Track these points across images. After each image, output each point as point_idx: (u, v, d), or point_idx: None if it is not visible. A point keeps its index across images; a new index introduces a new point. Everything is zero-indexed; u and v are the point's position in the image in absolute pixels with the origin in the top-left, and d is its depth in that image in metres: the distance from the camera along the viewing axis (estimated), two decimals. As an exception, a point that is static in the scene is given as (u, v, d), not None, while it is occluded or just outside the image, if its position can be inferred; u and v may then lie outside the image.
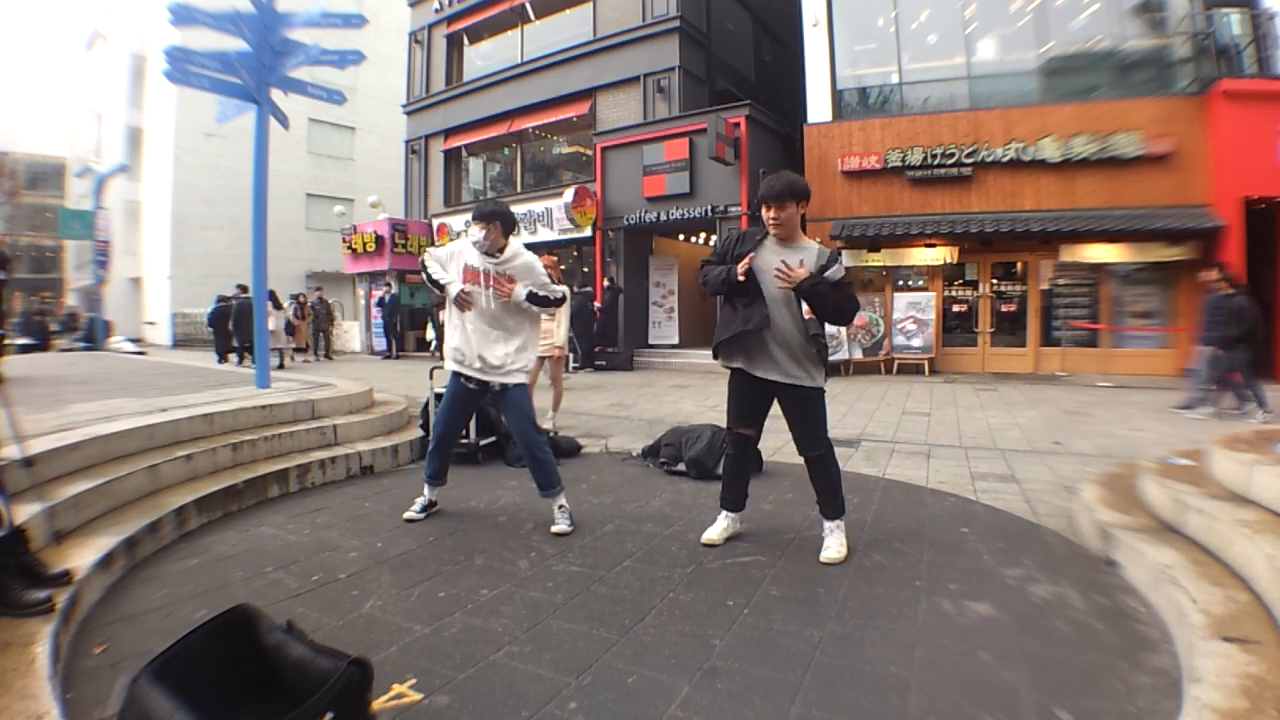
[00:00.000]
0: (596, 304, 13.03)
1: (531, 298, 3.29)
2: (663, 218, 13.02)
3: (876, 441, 5.73)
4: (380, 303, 16.99)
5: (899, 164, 11.60)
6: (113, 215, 20.39)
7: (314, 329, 16.19)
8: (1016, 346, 11.71)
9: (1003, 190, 11.18)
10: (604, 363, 13.09)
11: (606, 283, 13.71)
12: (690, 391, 9.37)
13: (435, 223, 18.03)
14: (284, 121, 6.02)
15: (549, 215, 14.98)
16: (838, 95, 12.57)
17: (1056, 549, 3.06)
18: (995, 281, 11.87)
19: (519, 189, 16.84)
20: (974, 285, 12.00)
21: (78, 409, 4.37)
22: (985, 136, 11.16)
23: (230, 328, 13.80)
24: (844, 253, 11.70)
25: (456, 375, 3.39)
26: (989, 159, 11.12)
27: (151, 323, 24.90)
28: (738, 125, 12.17)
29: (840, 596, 2.52)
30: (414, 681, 1.91)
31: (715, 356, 3.05)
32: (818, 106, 12.55)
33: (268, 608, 1.74)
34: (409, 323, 17.91)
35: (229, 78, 5.68)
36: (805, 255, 2.86)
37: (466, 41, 18.15)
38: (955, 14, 12.03)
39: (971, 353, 11.90)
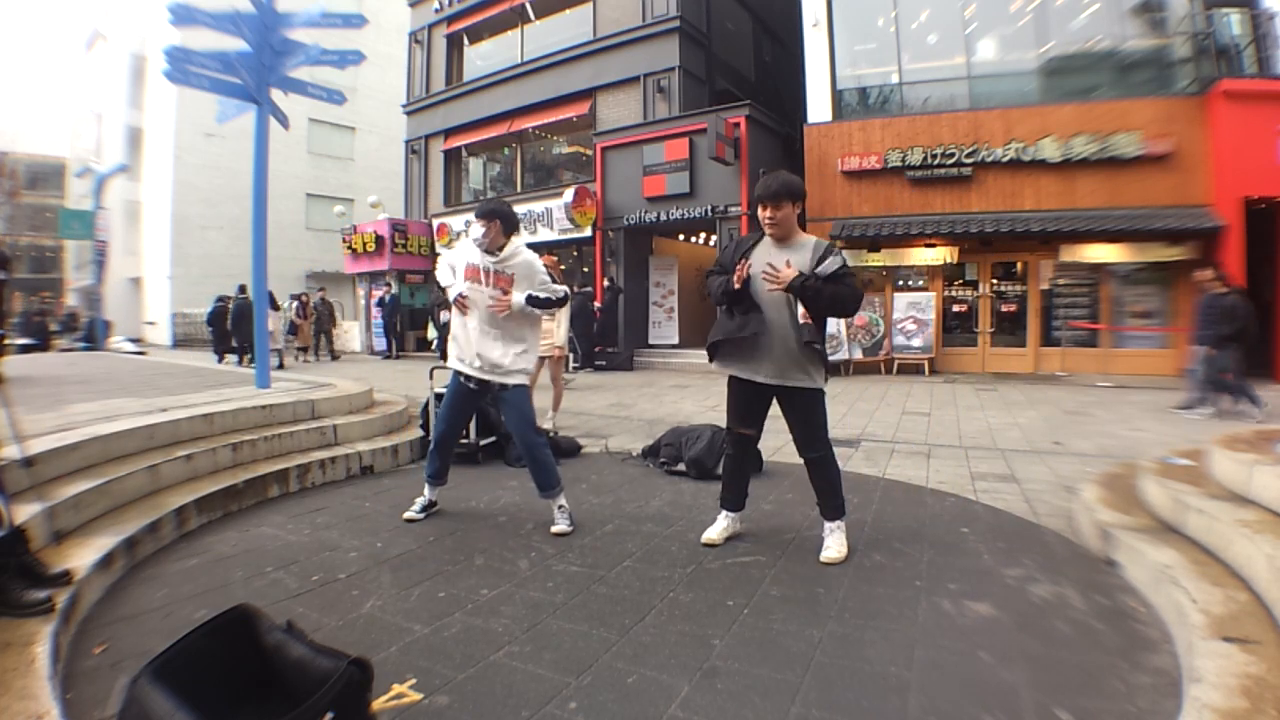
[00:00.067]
0: (596, 304, 13.03)
1: (531, 301, 3.26)
2: (663, 218, 13.02)
3: (876, 441, 5.73)
4: (380, 303, 16.99)
5: (899, 164, 11.60)
6: (112, 215, 20.40)
7: (316, 329, 16.19)
8: (1016, 346, 11.71)
9: (1003, 190, 11.18)
10: (604, 363, 13.09)
11: (606, 283, 13.70)
12: (690, 391, 9.37)
13: (435, 223, 18.03)
14: (284, 121, 6.02)
15: (549, 215, 14.98)
16: (838, 95, 12.57)
17: (1056, 549, 3.06)
18: (995, 281, 11.87)
19: (519, 189, 16.85)
20: (974, 285, 12.00)
21: (78, 409, 4.37)
22: (985, 136, 11.16)
23: (229, 327, 13.84)
24: (844, 253, 11.74)
25: (457, 375, 3.40)
26: (989, 159, 11.12)
27: (151, 323, 24.91)
28: (738, 125, 12.17)
29: (840, 596, 2.52)
30: (414, 681, 1.91)
31: (710, 359, 3.05)
32: (818, 106, 12.55)
33: (268, 608, 1.74)
34: (409, 323, 17.91)
35: (229, 78, 5.68)
36: (801, 253, 2.85)
37: (466, 41, 18.15)
38: (955, 14, 12.03)
39: (971, 353, 11.90)
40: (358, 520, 3.51)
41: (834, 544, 2.92)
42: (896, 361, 11.77)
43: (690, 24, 13.90)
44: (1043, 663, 2.03)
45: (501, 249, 3.31)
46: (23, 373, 7.27)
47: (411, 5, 19.17)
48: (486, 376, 3.31)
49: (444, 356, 11.57)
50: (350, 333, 19.38)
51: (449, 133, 18.08)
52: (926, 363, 11.57)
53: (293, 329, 16.31)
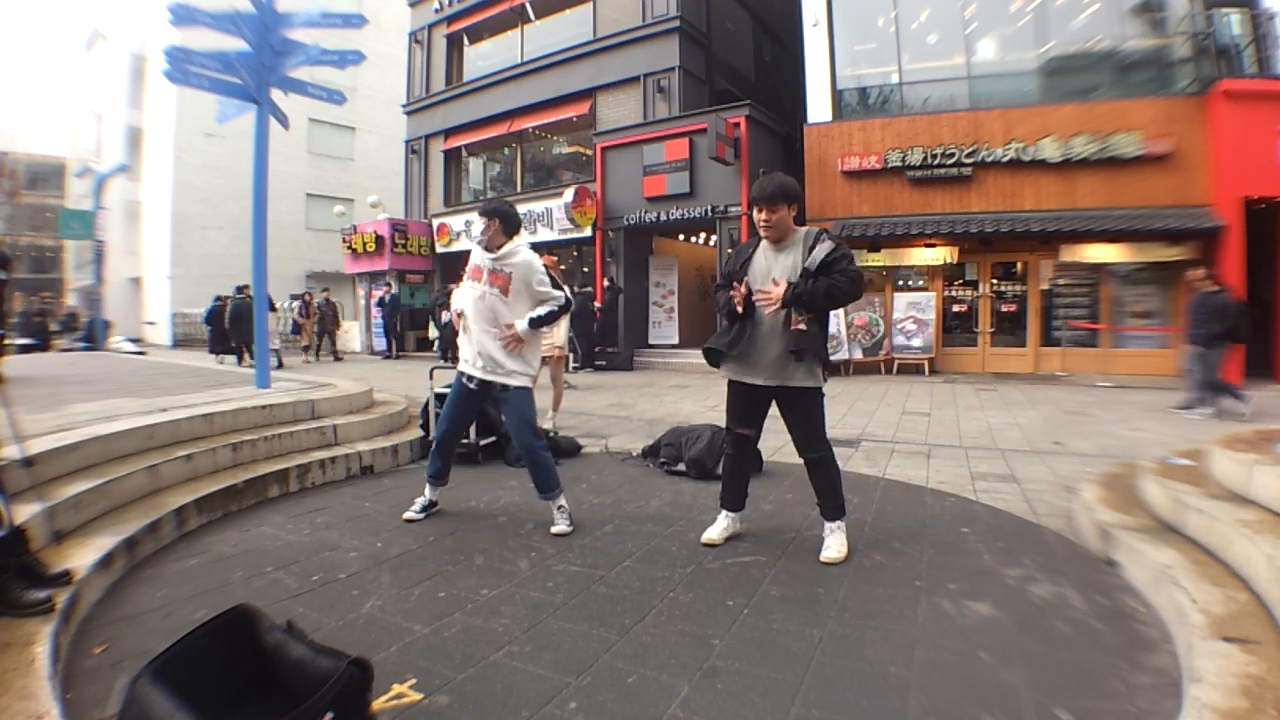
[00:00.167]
0: (596, 304, 13.03)
1: (535, 323, 3.27)
2: (663, 218, 13.02)
3: (876, 441, 5.73)
4: (380, 303, 16.99)
5: (899, 164, 11.60)
6: (112, 215, 20.42)
7: (319, 329, 16.19)
8: (1016, 346, 11.71)
9: (1003, 190, 11.18)
10: (604, 363, 13.09)
11: (606, 283, 13.70)
12: (690, 391, 9.37)
13: (435, 223, 18.03)
14: (284, 121, 6.02)
15: (549, 215, 14.98)
16: (838, 95, 12.57)
17: (1056, 549, 3.06)
18: (995, 281, 11.87)
19: (519, 189, 16.85)
20: (974, 285, 12.00)
21: (78, 409, 4.37)
22: (985, 136, 11.16)
23: (226, 327, 13.90)
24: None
25: (460, 375, 3.40)
26: (989, 159, 11.12)
27: (151, 323, 24.90)
28: (738, 125, 12.16)
29: (840, 596, 2.52)
30: (414, 681, 1.91)
31: (710, 364, 3.06)
32: (818, 106, 12.55)
33: (268, 608, 1.74)
34: (409, 323, 17.91)
35: (229, 78, 5.68)
36: (794, 251, 2.85)
37: (466, 41, 18.15)
38: (955, 14, 12.03)
39: (971, 353, 11.90)
40: (358, 520, 3.51)
41: (834, 544, 2.92)
42: (896, 361, 11.77)
43: (690, 24, 13.90)
44: (1043, 663, 2.03)
45: (501, 247, 3.32)
46: (23, 373, 7.27)
47: (411, 5, 19.17)
48: (488, 377, 3.31)
49: (444, 356, 11.59)
50: (350, 333, 19.39)
51: (449, 133, 18.08)
52: (926, 363, 11.57)
53: (296, 329, 16.33)
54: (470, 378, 3.35)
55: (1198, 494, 2.82)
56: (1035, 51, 11.55)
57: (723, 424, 3.39)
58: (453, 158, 18.45)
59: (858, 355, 11.76)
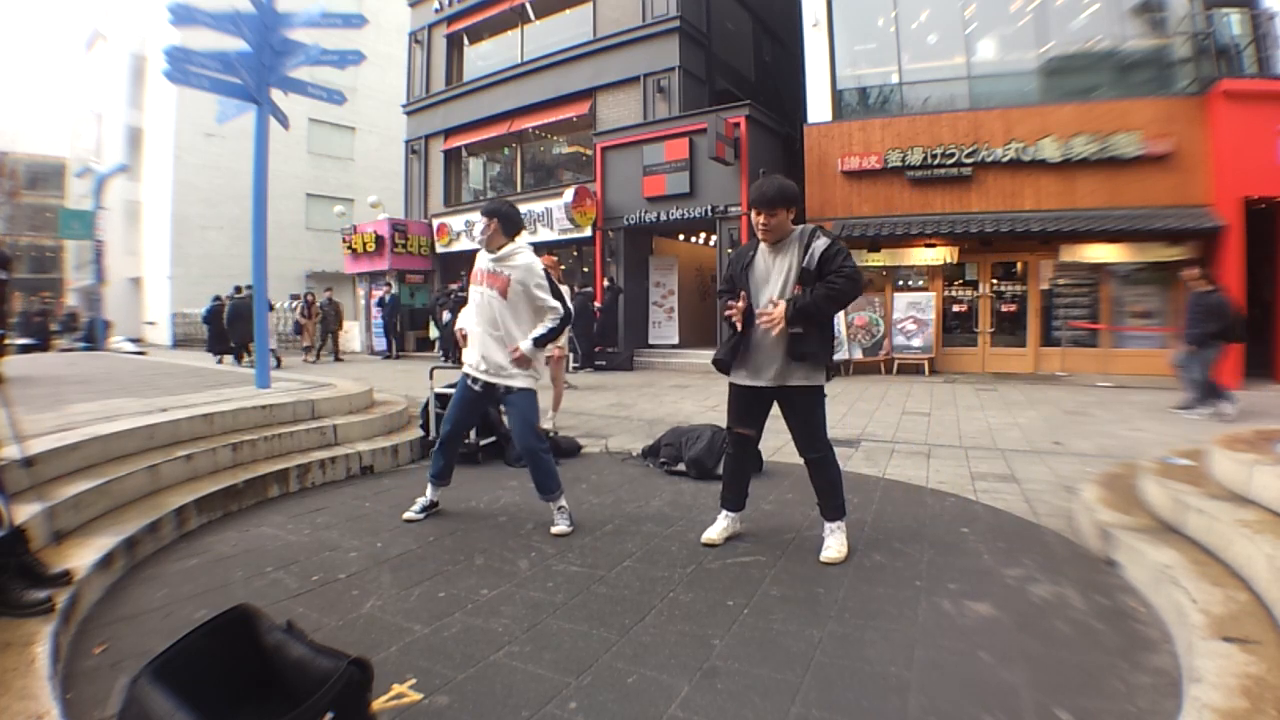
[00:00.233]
0: (596, 304, 13.03)
1: (539, 342, 3.25)
2: (663, 218, 13.01)
3: (876, 441, 5.73)
4: (380, 303, 16.99)
5: (899, 164, 11.60)
6: (112, 215, 20.41)
7: (323, 329, 16.19)
8: (1016, 346, 11.70)
9: (1003, 190, 11.18)
10: (604, 363, 13.09)
11: (606, 283, 13.70)
12: (690, 391, 9.37)
13: (435, 223, 18.03)
14: (284, 121, 6.02)
15: (549, 215, 14.98)
16: (838, 95, 12.57)
17: (1056, 549, 3.06)
18: (995, 281, 11.87)
19: (519, 189, 16.84)
20: (974, 285, 12.00)
21: (78, 409, 4.37)
22: (985, 136, 11.15)
23: (224, 327, 13.98)
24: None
25: (465, 376, 3.41)
26: (989, 159, 11.12)
27: (151, 323, 24.91)
28: (738, 125, 12.16)
29: (840, 596, 2.52)
30: (414, 681, 1.91)
31: (723, 372, 3.07)
32: (818, 106, 12.54)
33: (268, 608, 1.74)
34: (409, 323, 17.91)
35: (229, 78, 5.68)
36: (791, 252, 2.85)
37: (466, 41, 18.14)
38: (955, 14, 12.02)
39: (971, 353, 11.90)
40: (358, 520, 3.51)
41: (834, 544, 2.92)
42: (896, 361, 11.77)
43: (690, 24, 13.90)
44: (1043, 663, 2.03)
45: (501, 248, 3.31)
46: (23, 373, 7.27)
47: (411, 5, 19.17)
48: (492, 379, 3.31)
49: (446, 356, 11.58)
50: (350, 333, 19.39)
51: (449, 133, 18.08)
52: (926, 363, 11.57)
53: (299, 329, 16.36)
54: (475, 379, 3.36)
55: (1198, 494, 2.82)
56: (1035, 51, 11.55)
57: (722, 424, 3.39)
58: (453, 158, 18.45)
59: (858, 355, 11.76)
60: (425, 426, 5.16)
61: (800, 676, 1.96)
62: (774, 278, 2.87)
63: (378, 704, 1.77)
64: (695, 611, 2.39)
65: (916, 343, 11.68)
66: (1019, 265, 11.76)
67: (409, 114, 19.20)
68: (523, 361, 3.26)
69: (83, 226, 16.04)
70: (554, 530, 3.26)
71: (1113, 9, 11.02)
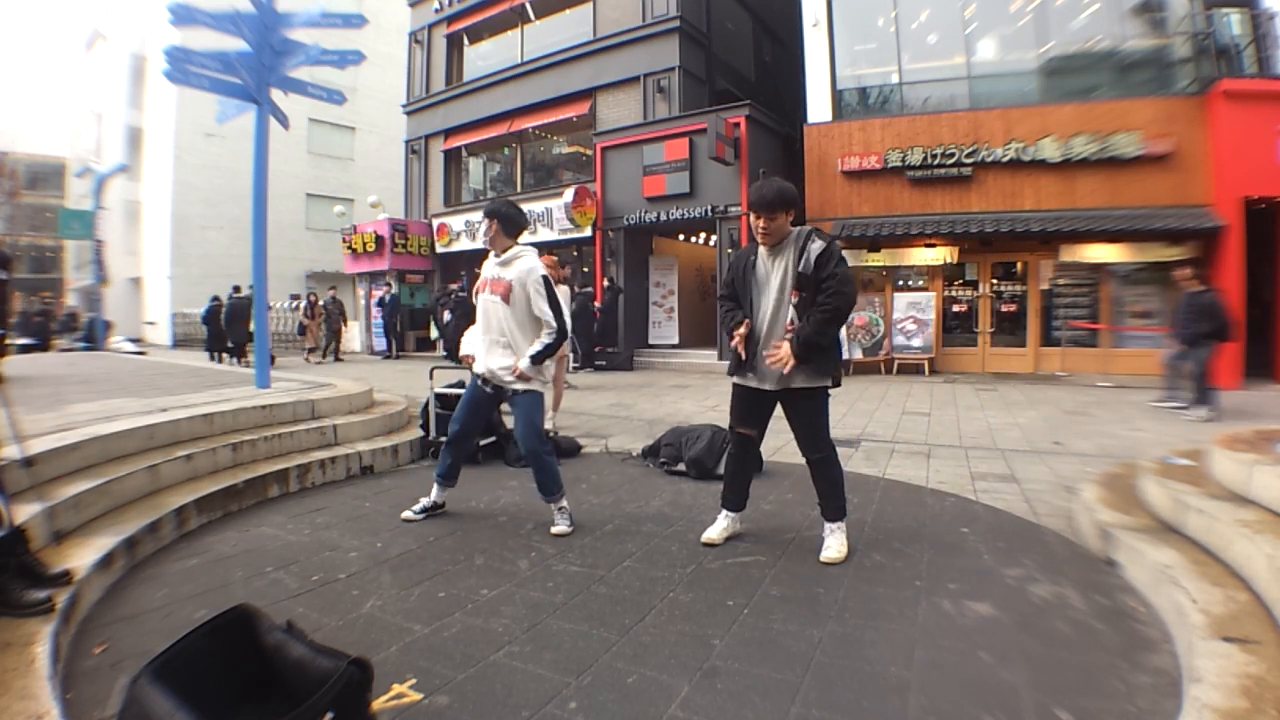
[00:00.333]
0: (596, 304, 13.03)
1: (535, 359, 3.20)
2: (663, 218, 13.01)
3: (876, 441, 5.73)
4: (380, 303, 16.99)
5: (899, 164, 11.59)
6: (112, 215, 20.40)
7: (328, 329, 16.19)
8: (1016, 346, 11.70)
9: (1003, 190, 11.18)
10: (604, 363, 13.09)
11: (606, 283, 13.70)
12: (690, 391, 9.37)
13: (435, 223, 18.03)
14: (284, 121, 6.02)
15: (549, 215, 14.97)
16: (838, 95, 12.56)
17: (1056, 549, 3.06)
18: (995, 281, 11.86)
19: (519, 189, 16.84)
20: (974, 285, 11.99)
21: (78, 409, 4.37)
22: (985, 136, 11.15)
23: (223, 327, 14.09)
24: (845, 253, 11.73)
25: (475, 377, 3.41)
26: (989, 159, 11.11)
27: (151, 323, 24.91)
28: (738, 125, 12.16)
29: (840, 596, 2.52)
30: (414, 681, 1.91)
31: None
32: (818, 106, 12.54)
33: (268, 608, 1.74)
34: (409, 323, 17.91)
35: (229, 78, 5.68)
36: (788, 254, 2.85)
37: (466, 41, 18.14)
38: (955, 14, 12.02)
39: (971, 353, 11.89)
40: (358, 520, 3.51)
41: (834, 544, 2.92)
42: (896, 361, 11.77)
43: (690, 24, 13.89)
44: (1043, 663, 2.03)
45: (505, 250, 3.31)
46: (23, 373, 7.27)
47: (411, 5, 19.16)
48: (499, 381, 3.31)
49: (449, 356, 11.52)
50: (350, 333, 19.39)
51: (449, 133, 18.07)
52: (926, 363, 11.57)
53: (302, 330, 16.39)
54: (485, 380, 3.35)
55: (1198, 494, 2.82)
56: (1035, 51, 11.55)
57: (722, 424, 3.39)
58: (453, 158, 18.45)
59: (858, 355, 11.76)
60: (425, 426, 5.16)
61: (800, 676, 1.96)
62: (773, 282, 2.87)
63: (378, 704, 1.76)
64: (695, 611, 2.39)
65: (916, 343, 11.68)
66: (1019, 265, 11.75)
67: (409, 114, 19.20)
68: (523, 379, 3.25)
69: (83, 226, 16.03)
70: (554, 530, 3.26)
71: (1113, 9, 11.02)
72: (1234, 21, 11.21)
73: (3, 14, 61.92)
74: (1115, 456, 4.87)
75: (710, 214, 12.49)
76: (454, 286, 15.08)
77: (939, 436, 5.97)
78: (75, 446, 3.24)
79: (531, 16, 16.38)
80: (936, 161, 11.38)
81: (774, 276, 2.87)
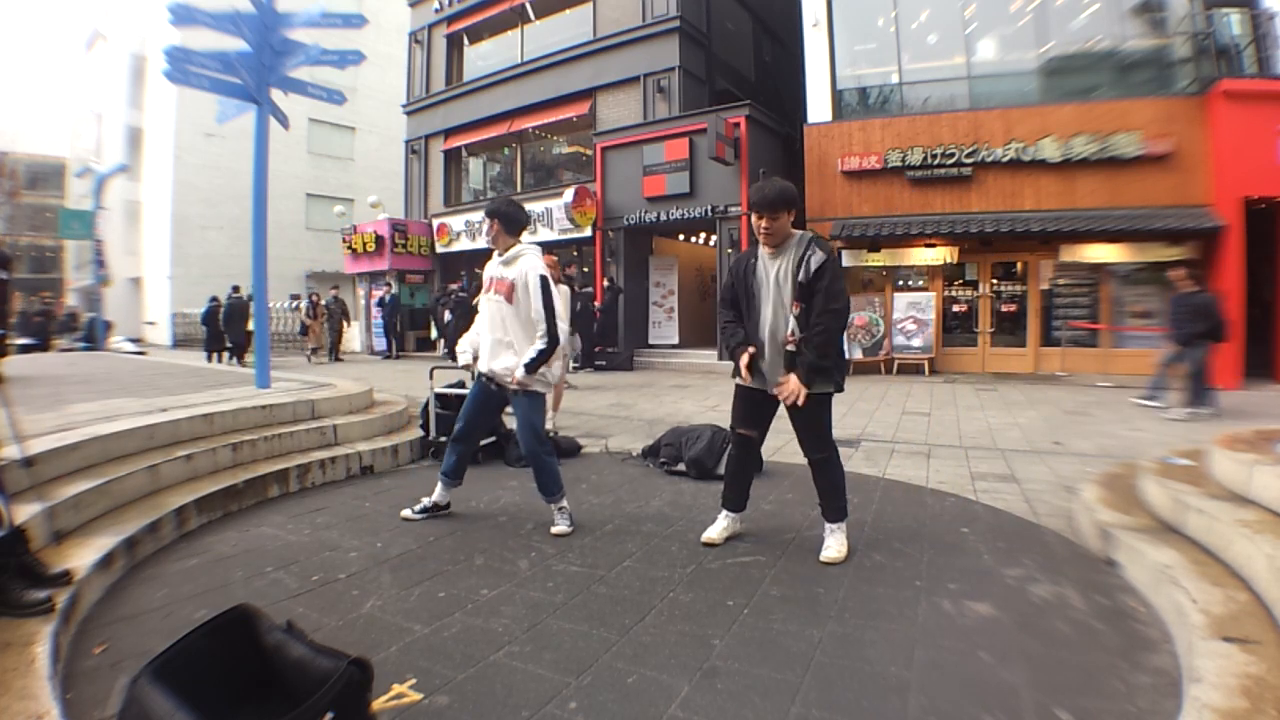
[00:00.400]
0: (596, 304, 13.03)
1: (530, 368, 3.16)
2: (663, 218, 13.01)
3: (876, 441, 5.72)
4: (380, 303, 16.99)
5: (899, 164, 11.59)
6: (112, 215, 20.40)
7: (331, 329, 16.19)
8: (1016, 346, 11.70)
9: (1003, 190, 11.18)
10: (604, 363, 13.09)
11: (606, 283, 13.70)
12: (690, 391, 9.37)
13: (435, 223, 18.03)
14: (284, 121, 6.02)
15: (549, 215, 14.97)
16: (838, 95, 12.56)
17: (1056, 549, 3.06)
18: (995, 281, 11.86)
19: (519, 189, 16.83)
20: (974, 285, 11.99)
21: (78, 409, 4.37)
22: (985, 136, 11.15)
23: (221, 327, 14.23)
24: (845, 253, 11.76)
25: (480, 375, 3.40)
26: (989, 159, 11.12)
27: (151, 323, 24.92)
28: (738, 125, 12.16)
29: (840, 596, 2.52)
30: (414, 681, 1.91)
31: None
32: (818, 106, 12.54)
33: (268, 608, 1.74)
34: (409, 323, 17.91)
35: (229, 78, 5.68)
36: (789, 257, 2.84)
37: (466, 41, 18.14)
38: (955, 14, 12.02)
39: (971, 353, 11.89)
40: (358, 520, 3.51)
41: (834, 544, 2.92)
42: (896, 361, 11.77)
43: (690, 24, 13.89)
44: (1043, 663, 2.03)
45: (509, 249, 3.31)
46: (23, 373, 7.27)
47: (411, 5, 19.16)
48: (503, 381, 3.31)
49: (450, 356, 11.46)
50: (350, 333, 19.39)
51: (449, 133, 18.07)
52: (926, 363, 11.57)
53: (304, 330, 16.41)
54: (489, 378, 3.35)
55: (1198, 494, 2.82)
56: (1035, 51, 11.55)
57: (722, 423, 3.39)
58: (453, 158, 18.45)
59: (858, 355, 11.76)
60: (425, 426, 5.16)
61: (800, 676, 1.96)
62: (774, 287, 2.86)
63: (378, 704, 1.76)
64: (695, 611, 2.39)
65: (916, 343, 11.68)
66: (1019, 265, 11.75)
67: (409, 114, 19.20)
68: (523, 386, 3.23)
69: (83, 226, 16.04)
70: (554, 530, 3.26)
71: (1113, 9, 11.02)
72: (1234, 21, 11.21)
73: (3, 14, 61.95)
74: (1115, 456, 4.87)
75: (710, 214, 12.49)
76: (454, 286, 15.09)
77: (939, 436, 5.97)
78: (75, 446, 3.24)
79: (531, 16, 16.38)
80: (936, 161, 11.39)
81: (775, 281, 2.86)
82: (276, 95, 5.82)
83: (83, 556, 2.51)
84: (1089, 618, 2.34)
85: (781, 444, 4.97)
